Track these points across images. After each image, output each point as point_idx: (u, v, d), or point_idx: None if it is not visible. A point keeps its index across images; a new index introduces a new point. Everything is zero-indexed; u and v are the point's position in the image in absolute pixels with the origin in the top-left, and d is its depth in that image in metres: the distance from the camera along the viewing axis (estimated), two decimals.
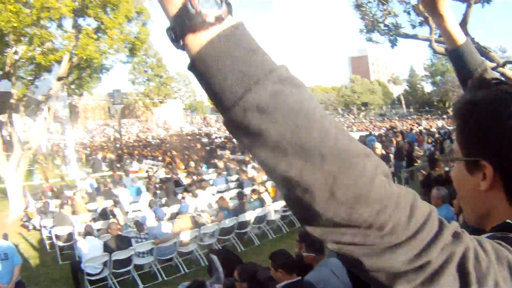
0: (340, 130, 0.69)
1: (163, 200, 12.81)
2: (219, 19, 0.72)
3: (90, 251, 8.20)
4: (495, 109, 0.94)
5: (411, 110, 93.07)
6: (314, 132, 0.66)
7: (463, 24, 14.96)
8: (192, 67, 0.74)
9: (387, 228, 0.68)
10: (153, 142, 41.85)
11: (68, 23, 15.57)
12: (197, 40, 0.72)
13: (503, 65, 14.53)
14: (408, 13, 16.50)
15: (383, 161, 0.72)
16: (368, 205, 0.67)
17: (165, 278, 8.91)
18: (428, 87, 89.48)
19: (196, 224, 9.98)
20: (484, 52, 14.39)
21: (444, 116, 71.87)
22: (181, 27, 0.73)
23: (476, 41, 14.75)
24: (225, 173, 17.24)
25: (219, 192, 14.29)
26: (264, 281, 5.01)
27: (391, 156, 17.07)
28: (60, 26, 15.07)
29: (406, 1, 16.41)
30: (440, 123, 55.72)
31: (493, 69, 14.46)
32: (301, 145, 0.66)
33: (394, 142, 20.24)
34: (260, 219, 11.29)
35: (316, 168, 0.66)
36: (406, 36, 15.82)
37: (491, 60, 14.23)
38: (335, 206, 0.67)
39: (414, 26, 16.21)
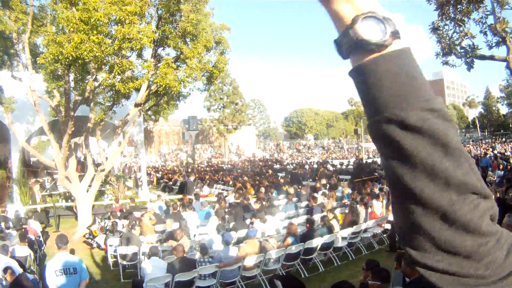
0: (472, 169, 0.76)
1: (231, 224, 12.85)
2: (380, 46, 0.79)
3: (154, 272, 8.32)
4: None
5: (485, 133, 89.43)
6: (448, 161, 0.74)
7: None
8: (352, 74, 0.84)
9: (484, 261, 0.73)
10: (224, 167, 42.15)
11: (148, 52, 16.30)
12: (358, 58, 0.82)
13: None
14: (485, 33, 16.03)
15: (496, 206, 0.78)
16: (473, 236, 0.73)
17: None
18: (504, 109, 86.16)
19: (262, 249, 9.92)
20: None
21: None
22: (345, 46, 0.84)
23: None
24: (295, 199, 17.14)
25: (288, 218, 14.25)
26: None
27: None
28: (140, 55, 15.78)
29: (482, 21, 15.98)
30: None
31: None
32: (433, 167, 0.74)
33: None
34: (326, 246, 11.07)
35: (439, 190, 0.74)
36: (483, 57, 15.35)
37: None
38: (442, 227, 0.74)
39: (491, 47, 15.71)
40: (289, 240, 10.63)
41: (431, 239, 0.74)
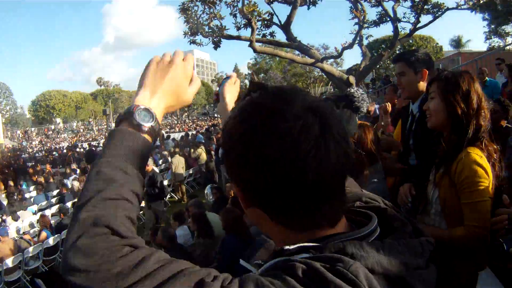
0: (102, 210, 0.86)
1: None
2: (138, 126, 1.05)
3: None
4: None
5: None
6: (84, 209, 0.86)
7: (287, 24, 15.96)
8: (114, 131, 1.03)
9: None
10: None
11: None
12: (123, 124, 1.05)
13: (322, 60, 15.80)
14: (234, 15, 17.08)
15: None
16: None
17: None
18: None
19: (19, 249, 9.15)
20: (305, 49, 15.52)
21: None
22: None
23: (299, 40, 15.80)
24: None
25: (40, 209, 13.53)
26: None
27: (213, 153, 17.58)
28: None
29: (233, 4, 16.98)
30: None
31: (312, 64, 15.77)
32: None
33: (215, 139, 20.84)
34: None
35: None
36: (230, 37, 16.33)
37: (312, 56, 15.40)
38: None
39: (239, 28, 16.85)
40: (44, 233, 10.02)
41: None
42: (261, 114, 0.86)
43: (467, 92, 2.26)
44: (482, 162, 2.19)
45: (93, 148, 29.70)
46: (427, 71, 3.10)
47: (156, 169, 12.57)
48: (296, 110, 0.85)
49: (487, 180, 2.18)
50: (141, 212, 11.39)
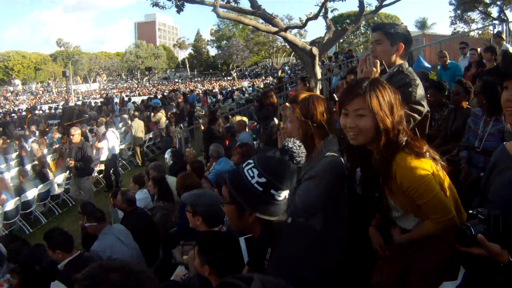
0: None
1: None
2: None
3: None
4: None
5: (195, 73, 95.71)
6: None
7: None
8: None
9: None
10: None
11: None
12: None
13: (285, 29, 15.71)
14: None
15: None
16: None
17: None
18: (213, 51, 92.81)
19: None
20: (269, 18, 15.37)
21: (228, 78, 75.72)
22: None
23: (263, 8, 15.62)
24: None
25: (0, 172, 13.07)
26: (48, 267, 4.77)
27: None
28: None
29: None
30: (224, 83, 58.80)
31: (276, 33, 15.64)
32: None
33: (175, 104, 20.84)
34: (44, 196, 10.63)
35: None
36: (193, 1, 15.96)
37: (275, 25, 15.29)
38: None
39: None
40: (4, 196, 9.85)
41: None
42: None
43: (391, 103, 2.22)
44: (415, 164, 2.21)
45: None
46: (403, 46, 3.13)
47: (87, 143, 11.36)
48: None
49: (428, 175, 2.23)
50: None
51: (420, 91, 3.01)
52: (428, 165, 2.25)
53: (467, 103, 5.51)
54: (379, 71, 2.95)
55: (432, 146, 2.40)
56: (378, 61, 2.96)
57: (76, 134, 9.78)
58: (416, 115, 2.92)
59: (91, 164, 10.30)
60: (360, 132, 2.23)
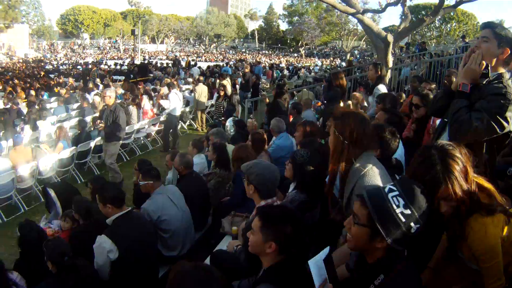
0: None
1: (1, 133, 11.78)
2: None
3: None
4: None
5: (263, 45, 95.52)
6: None
7: None
8: None
9: None
10: None
11: None
12: None
13: (363, 12, 15.31)
14: None
15: None
16: None
17: (5, 219, 8.07)
18: (284, 26, 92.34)
19: (35, 158, 9.15)
20: None
21: (295, 54, 75.12)
22: None
23: None
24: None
25: (60, 121, 13.46)
26: (98, 215, 4.73)
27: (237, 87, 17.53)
28: None
29: None
30: (291, 59, 58.49)
31: (353, 14, 15.28)
32: None
33: (241, 74, 20.72)
34: (99, 149, 10.72)
35: None
36: None
37: (353, 7, 14.91)
38: None
39: None
40: (61, 144, 10.02)
41: None
42: None
43: (465, 169, 2.29)
44: (488, 230, 2.27)
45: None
46: (509, 52, 2.88)
47: (122, 107, 10.67)
48: None
49: (498, 242, 2.28)
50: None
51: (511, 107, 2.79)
52: (500, 224, 2.31)
53: None
54: (480, 72, 2.91)
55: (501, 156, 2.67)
56: (484, 63, 2.89)
57: (108, 95, 9.23)
58: (497, 128, 2.77)
59: (121, 131, 9.46)
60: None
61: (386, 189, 2.04)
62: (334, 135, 2.90)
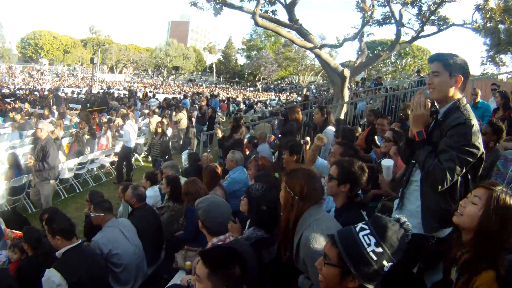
0: None
1: None
2: None
3: None
4: None
5: (221, 79, 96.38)
6: None
7: (291, 5, 15.77)
8: None
9: None
10: None
11: None
12: None
13: (321, 47, 15.74)
14: None
15: None
16: None
17: None
18: (242, 60, 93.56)
19: None
20: (305, 33, 15.41)
21: (252, 89, 76.03)
22: None
23: (300, 23, 15.70)
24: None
25: (13, 147, 13.16)
26: (48, 247, 4.61)
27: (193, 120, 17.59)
28: None
29: None
30: (248, 93, 59.07)
31: (311, 49, 15.69)
32: None
33: (197, 107, 20.92)
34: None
35: None
36: (232, 6, 15.92)
37: (310, 41, 15.31)
38: None
39: None
40: (12, 171, 9.75)
41: None
42: None
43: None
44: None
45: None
46: (462, 78, 2.98)
47: (51, 137, 9.40)
48: None
49: None
50: None
51: (476, 132, 2.85)
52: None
53: (494, 144, 5.31)
54: (429, 113, 2.99)
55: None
56: (429, 102, 2.97)
57: (39, 128, 8.50)
58: (470, 159, 2.82)
59: (54, 170, 8.55)
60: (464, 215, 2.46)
61: (358, 228, 2.04)
62: (285, 191, 3.05)
